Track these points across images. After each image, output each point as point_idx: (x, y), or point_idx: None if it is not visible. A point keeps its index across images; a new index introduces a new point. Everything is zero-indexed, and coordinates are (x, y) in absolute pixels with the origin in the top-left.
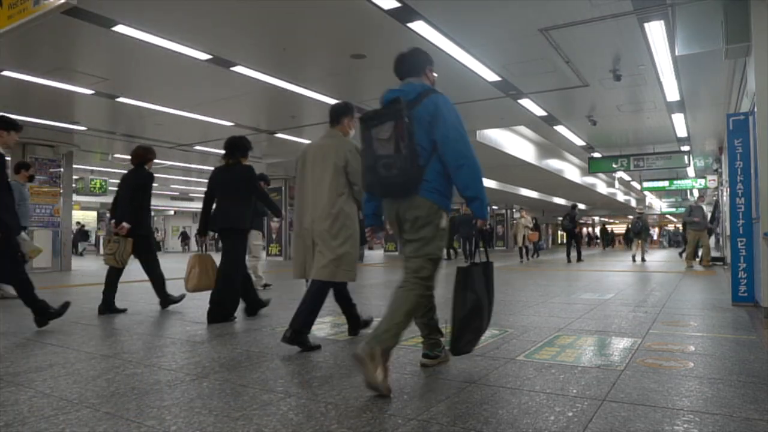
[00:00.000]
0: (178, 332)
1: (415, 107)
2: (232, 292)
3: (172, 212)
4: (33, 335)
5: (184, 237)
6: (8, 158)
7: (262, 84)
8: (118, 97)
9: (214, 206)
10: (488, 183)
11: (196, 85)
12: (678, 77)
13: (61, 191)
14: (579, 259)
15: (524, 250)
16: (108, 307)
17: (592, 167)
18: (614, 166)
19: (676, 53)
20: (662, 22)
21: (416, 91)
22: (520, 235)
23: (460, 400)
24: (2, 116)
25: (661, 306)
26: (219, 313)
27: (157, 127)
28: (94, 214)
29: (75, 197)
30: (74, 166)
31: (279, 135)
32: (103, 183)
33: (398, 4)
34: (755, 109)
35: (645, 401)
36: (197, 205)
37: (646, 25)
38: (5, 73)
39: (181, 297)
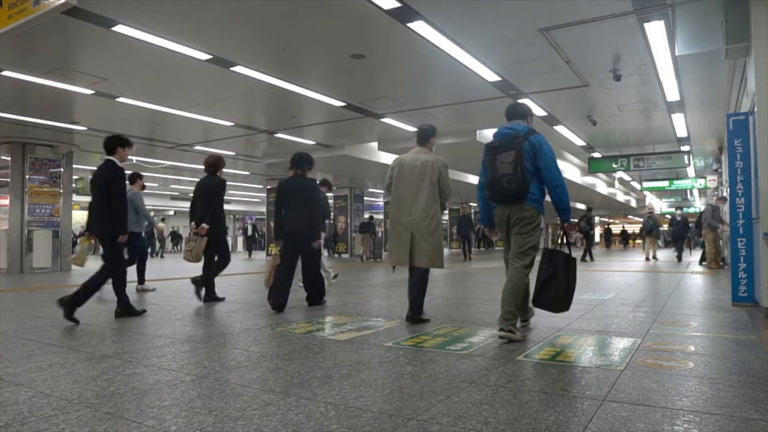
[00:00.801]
0: (178, 332)
1: (524, 142)
2: (319, 284)
3: (172, 212)
4: (33, 335)
5: (174, 236)
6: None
7: (262, 84)
8: (118, 97)
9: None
10: None
11: (196, 85)
12: (678, 77)
13: (61, 191)
14: (591, 259)
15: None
16: (206, 294)
17: (592, 167)
18: (614, 166)
19: (676, 53)
20: (662, 22)
21: (525, 131)
22: None
23: (460, 400)
24: (120, 135)
25: (661, 306)
26: (281, 306)
27: (157, 127)
28: None
29: (75, 197)
30: (74, 166)
31: (279, 135)
32: None
33: (398, 4)
34: (755, 109)
35: (645, 401)
36: None
37: (646, 25)
38: (5, 73)
39: (222, 299)
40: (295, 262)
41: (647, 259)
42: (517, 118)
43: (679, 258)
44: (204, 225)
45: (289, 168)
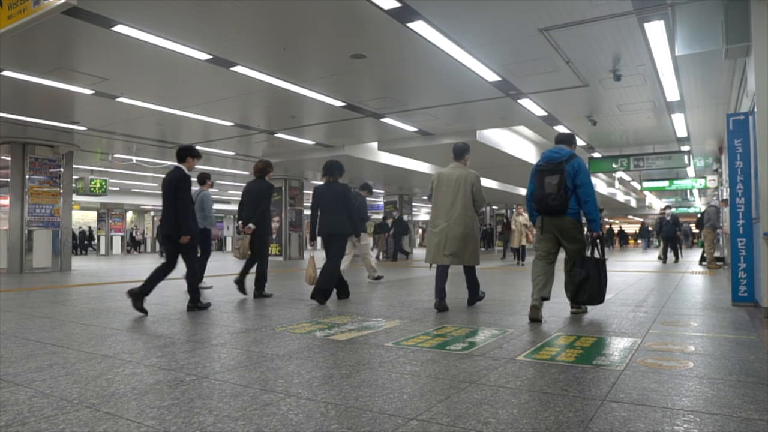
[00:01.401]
0: (178, 332)
1: (567, 163)
2: (335, 280)
3: None
4: (33, 335)
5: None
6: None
7: (262, 84)
8: (118, 97)
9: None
10: (488, 183)
11: (196, 85)
12: (678, 77)
13: (61, 191)
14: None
15: (521, 252)
16: (241, 287)
17: (592, 167)
18: (614, 166)
19: (676, 53)
20: (662, 22)
21: (568, 154)
22: (518, 235)
23: (460, 400)
24: (192, 147)
25: (661, 306)
26: (323, 296)
27: (157, 127)
28: (94, 214)
29: (75, 197)
30: (74, 166)
31: (279, 135)
32: (103, 183)
33: (398, 4)
34: (755, 109)
35: (645, 401)
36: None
37: (646, 25)
38: (5, 73)
39: (270, 295)
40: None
41: (659, 259)
42: (563, 143)
43: (665, 260)
44: (250, 225)
45: (323, 176)
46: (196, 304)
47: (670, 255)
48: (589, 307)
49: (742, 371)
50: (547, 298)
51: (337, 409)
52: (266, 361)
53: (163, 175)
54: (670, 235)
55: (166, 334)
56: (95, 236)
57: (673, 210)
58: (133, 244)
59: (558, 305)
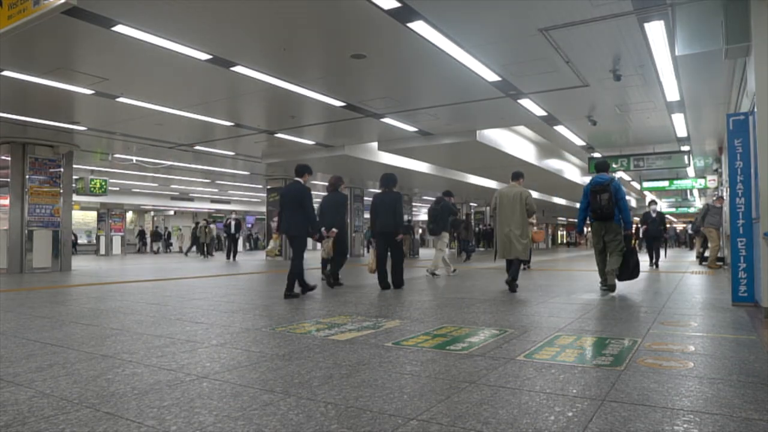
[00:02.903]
0: (178, 332)
1: (611, 185)
2: (400, 272)
3: (172, 212)
4: (33, 335)
5: (142, 235)
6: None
7: (262, 84)
8: (118, 97)
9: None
10: (488, 183)
11: (196, 85)
12: (678, 77)
13: (61, 191)
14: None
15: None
16: (333, 279)
17: (592, 167)
18: (614, 166)
19: (676, 53)
20: (662, 22)
21: (609, 179)
22: None
23: (460, 400)
24: (307, 165)
25: (661, 306)
26: (388, 285)
27: (157, 127)
28: (94, 214)
29: (75, 197)
30: (74, 166)
31: (279, 135)
32: (103, 183)
33: (398, 4)
34: (755, 109)
35: (645, 401)
36: (197, 205)
37: (646, 25)
38: (5, 73)
39: (342, 284)
40: (386, 253)
41: (698, 259)
42: (603, 171)
43: (656, 264)
44: (334, 230)
45: (380, 186)
46: (334, 278)
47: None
48: (590, 307)
49: (742, 371)
50: (605, 273)
51: (337, 409)
52: (266, 361)
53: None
54: (656, 234)
55: (166, 334)
56: (166, 234)
57: (659, 208)
58: (142, 243)
59: (558, 305)
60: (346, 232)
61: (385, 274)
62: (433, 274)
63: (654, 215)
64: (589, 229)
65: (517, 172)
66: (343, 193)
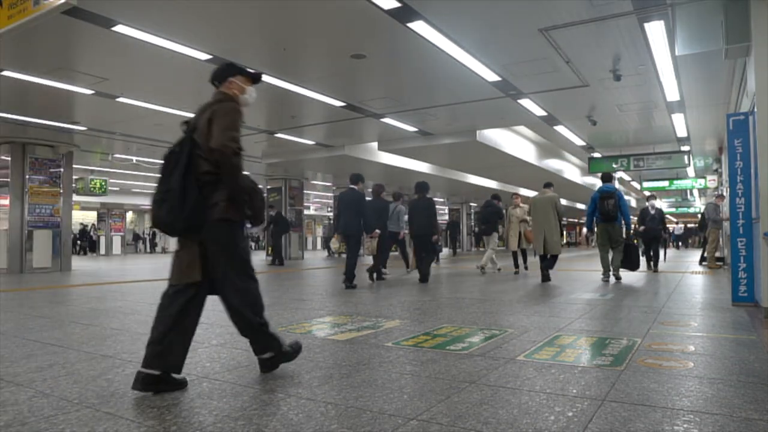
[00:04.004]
0: None
1: (616, 193)
2: (427, 269)
3: None
4: (33, 335)
5: (137, 238)
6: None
7: (262, 84)
8: (118, 97)
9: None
10: (488, 183)
11: (196, 85)
12: (678, 77)
13: (61, 191)
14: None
15: (521, 256)
16: (376, 275)
17: (592, 167)
18: (614, 166)
19: (676, 53)
20: (662, 22)
21: (614, 188)
22: (515, 234)
23: (460, 400)
24: (360, 174)
25: (661, 306)
26: (422, 281)
27: (157, 127)
28: (94, 214)
29: (75, 197)
30: (74, 166)
31: (279, 135)
32: (103, 183)
33: (398, 4)
34: (755, 109)
35: (645, 401)
36: None
37: (646, 25)
38: (5, 73)
39: (384, 279)
40: (423, 253)
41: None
42: (608, 181)
43: (655, 267)
44: (377, 231)
45: (415, 193)
46: (377, 273)
47: (645, 259)
48: (590, 307)
49: (742, 371)
50: (609, 270)
51: (337, 409)
52: None
53: None
54: (655, 233)
55: None
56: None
57: (658, 204)
58: (141, 243)
59: (558, 305)
60: (386, 234)
61: (422, 270)
62: (482, 269)
63: (653, 212)
64: (595, 228)
65: (548, 182)
66: (385, 199)
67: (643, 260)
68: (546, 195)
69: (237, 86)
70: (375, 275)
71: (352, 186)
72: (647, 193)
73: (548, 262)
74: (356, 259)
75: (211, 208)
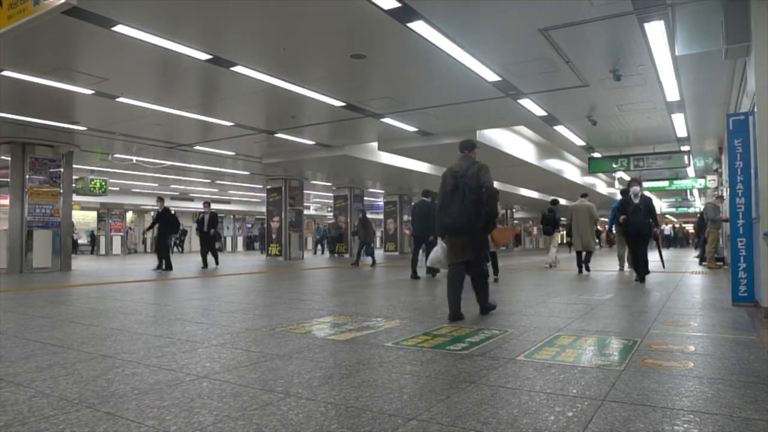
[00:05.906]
0: (178, 332)
1: (641, 198)
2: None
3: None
4: (33, 335)
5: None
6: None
7: (262, 84)
8: (118, 97)
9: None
10: None
11: (196, 85)
12: (678, 77)
13: (61, 191)
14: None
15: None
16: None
17: (592, 167)
18: (614, 166)
19: (676, 53)
20: (662, 22)
21: (642, 195)
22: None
23: (460, 400)
24: (430, 190)
25: (661, 306)
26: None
27: (157, 127)
28: (94, 214)
29: (75, 197)
30: (74, 166)
31: (279, 135)
32: (103, 183)
33: (398, 4)
34: (755, 109)
35: (645, 401)
36: (197, 206)
37: (646, 25)
38: (5, 73)
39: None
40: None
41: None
42: (637, 186)
43: (642, 277)
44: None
45: (427, 196)
46: (432, 272)
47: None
48: (590, 307)
49: (742, 371)
50: (623, 265)
51: (337, 409)
52: (266, 361)
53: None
54: (639, 229)
55: (166, 334)
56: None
57: (639, 189)
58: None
59: (558, 305)
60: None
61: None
62: (551, 266)
63: (636, 201)
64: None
65: (584, 192)
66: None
67: (623, 264)
68: (583, 203)
69: (476, 154)
70: (434, 273)
71: (424, 198)
72: (646, 194)
73: (586, 256)
74: (417, 255)
75: (477, 221)
